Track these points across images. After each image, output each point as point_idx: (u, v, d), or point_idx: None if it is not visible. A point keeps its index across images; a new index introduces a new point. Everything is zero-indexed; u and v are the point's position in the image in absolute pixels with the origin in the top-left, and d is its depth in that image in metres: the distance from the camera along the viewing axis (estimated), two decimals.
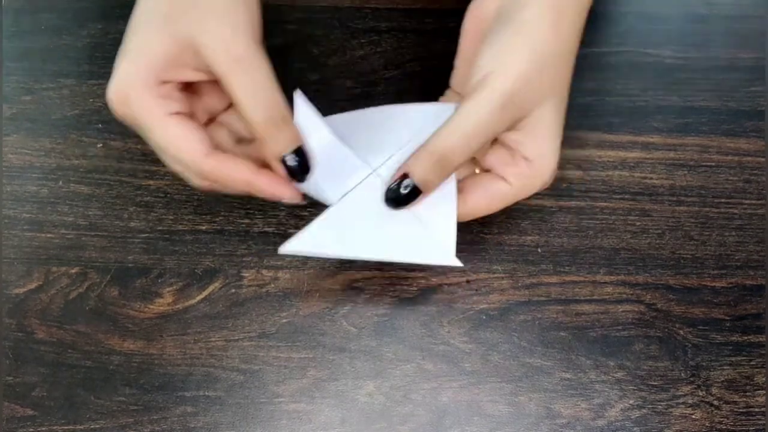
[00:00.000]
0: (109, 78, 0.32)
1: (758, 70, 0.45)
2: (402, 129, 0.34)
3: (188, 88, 0.33)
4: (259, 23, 0.32)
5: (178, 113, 0.32)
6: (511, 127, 0.32)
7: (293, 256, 0.40)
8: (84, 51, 0.45)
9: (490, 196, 0.34)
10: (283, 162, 0.31)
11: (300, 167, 0.32)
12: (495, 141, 0.34)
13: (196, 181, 0.33)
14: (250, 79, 0.30)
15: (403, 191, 0.32)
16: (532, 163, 0.33)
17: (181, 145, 0.31)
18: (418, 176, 0.32)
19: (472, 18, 0.34)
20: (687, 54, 0.45)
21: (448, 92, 0.38)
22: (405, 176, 0.32)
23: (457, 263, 0.34)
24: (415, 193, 0.32)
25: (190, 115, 0.33)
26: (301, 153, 0.32)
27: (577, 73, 0.34)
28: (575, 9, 0.32)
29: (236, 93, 0.30)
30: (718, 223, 0.41)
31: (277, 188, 0.32)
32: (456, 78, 0.37)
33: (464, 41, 0.36)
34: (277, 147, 0.31)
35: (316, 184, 0.33)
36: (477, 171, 0.35)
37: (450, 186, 0.34)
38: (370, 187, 0.34)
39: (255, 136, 0.32)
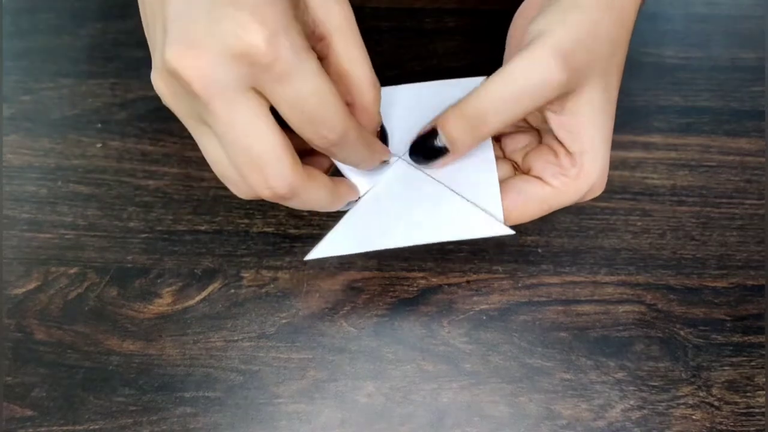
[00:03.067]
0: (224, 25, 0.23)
1: (759, 70, 0.45)
2: (434, 106, 0.31)
3: None
4: None
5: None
6: (558, 102, 0.29)
7: (294, 257, 0.40)
8: (83, 51, 0.45)
9: (527, 199, 0.31)
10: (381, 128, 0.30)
11: (385, 136, 0.30)
12: (535, 139, 0.32)
13: (259, 187, 0.26)
14: (359, 39, 0.27)
15: (428, 144, 0.30)
16: (576, 159, 0.30)
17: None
18: (447, 134, 0.29)
19: (518, 18, 0.32)
20: (688, 54, 0.45)
21: None
22: (435, 131, 0.30)
23: (508, 231, 0.31)
24: (441, 151, 0.30)
25: None
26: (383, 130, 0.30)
27: None
28: (626, 3, 0.29)
29: (351, 51, 0.26)
30: (719, 223, 0.41)
31: (350, 193, 0.30)
32: None
33: (511, 41, 0.33)
34: (376, 113, 0.28)
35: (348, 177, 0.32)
36: (514, 173, 0.33)
37: (487, 154, 0.32)
38: (399, 171, 0.32)
39: (360, 101, 0.28)
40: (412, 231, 0.32)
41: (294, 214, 0.41)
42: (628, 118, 0.43)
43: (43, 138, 0.43)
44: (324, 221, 0.41)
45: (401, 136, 0.32)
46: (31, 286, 0.39)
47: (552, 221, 0.41)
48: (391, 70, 0.44)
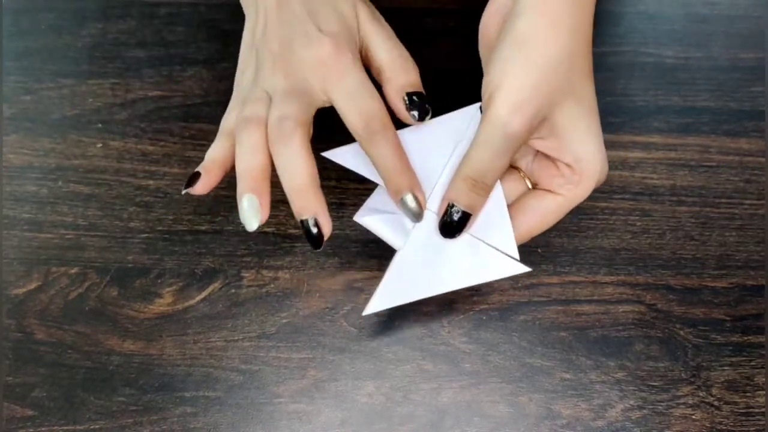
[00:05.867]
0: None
1: (759, 70, 0.45)
2: (443, 145, 0.35)
3: None
4: None
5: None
6: (536, 134, 0.32)
7: (294, 257, 0.40)
8: (84, 51, 0.45)
9: (543, 214, 0.34)
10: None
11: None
12: (537, 153, 0.34)
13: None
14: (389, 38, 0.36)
15: (453, 219, 0.33)
16: (574, 167, 0.33)
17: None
18: (462, 203, 0.33)
19: (483, 28, 0.35)
20: (688, 54, 0.45)
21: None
22: (451, 205, 0.33)
23: (525, 269, 0.34)
24: (465, 218, 0.33)
25: None
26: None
27: None
28: (572, 7, 0.32)
29: (385, 45, 0.35)
30: (718, 223, 0.41)
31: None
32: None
33: (481, 50, 0.36)
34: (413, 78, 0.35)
35: (378, 227, 0.35)
36: (530, 185, 0.35)
37: (497, 196, 0.34)
38: (427, 223, 0.34)
39: (394, 77, 0.34)
40: (446, 279, 0.34)
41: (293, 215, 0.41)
42: (628, 118, 0.43)
43: (44, 138, 0.43)
44: None
45: (421, 178, 0.34)
46: (32, 286, 0.39)
47: None
48: None
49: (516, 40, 0.31)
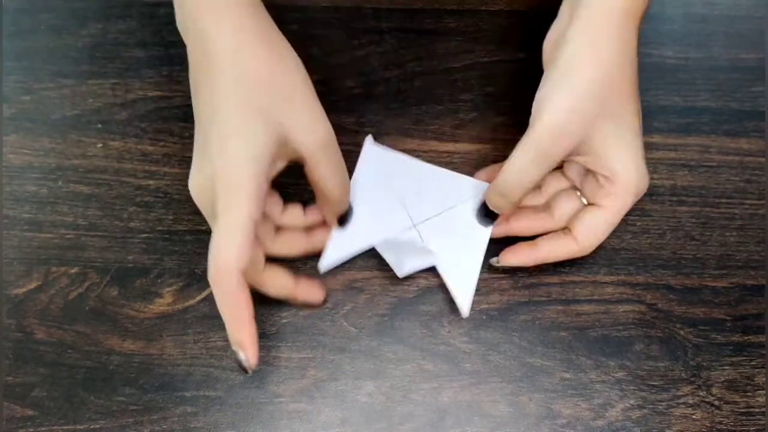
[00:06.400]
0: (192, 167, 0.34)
1: (759, 70, 0.45)
2: (447, 194, 0.40)
3: None
4: None
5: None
6: (574, 153, 0.35)
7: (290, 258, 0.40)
8: (84, 51, 0.45)
9: (593, 228, 0.37)
10: (339, 218, 0.38)
11: (347, 217, 0.38)
12: (587, 170, 0.37)
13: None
14: (335, 161, 0.35)
15: (486, 211, 0.38)
16: (613, 180, 0.35)
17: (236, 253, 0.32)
18: (492, 204, 0.37)
19: (544, 53, 0.38)
20: (688, 54, 0.45)
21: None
22: (485, 205, 0.38)
23: (465, 314, 0.38)
24: (495, 214, 0.38)
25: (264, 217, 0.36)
26: (348, 210, 0.38)
27: None
28: (616, 33, 0.34)
29: (323, 174, 0.34)
30: (719, 223, 0.41)
31: (312, 294, 0.38)
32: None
33: (545, 58, 0.38)
34: (339, 210, 0.37)
35: (360, 222, 0.39)
36: (585, 201, 0.38)
37: (480, 245, 0.39)
38: (408, 237, 0.39)
39: (327, 204, 0.36)
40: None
41: None
42: None
43: (44, 138, 0.43)
44: None
45: (418, 206, 0.40)
46: (32, 285, 0.39)
47: None
48: (392, 70, 0.44)
49: (561, 66, 0.34)
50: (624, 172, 0.35)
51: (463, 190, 0.40)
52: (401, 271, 0.37)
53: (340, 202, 0.36)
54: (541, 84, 0.35)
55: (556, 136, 0.34)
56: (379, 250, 0.38)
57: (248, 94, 0.32)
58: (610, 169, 0.35)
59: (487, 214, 0.38)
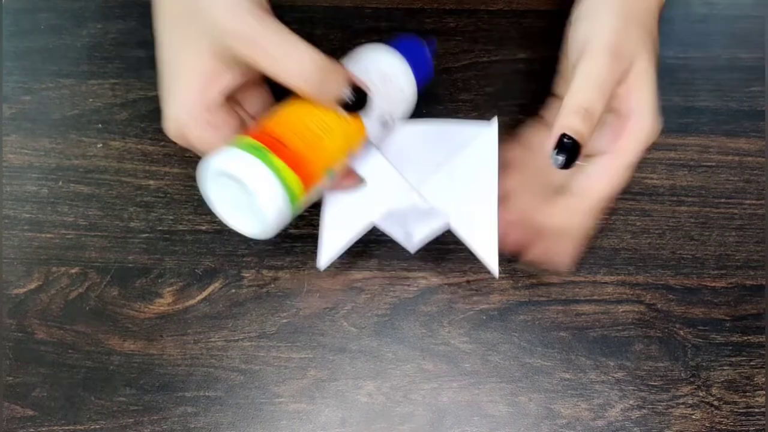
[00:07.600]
0: (162, 111, 0.34)
1: (758, 70, 0.45)
2: (441, 145, 0.36)
3: (230, 100, 0.35)
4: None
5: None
6: (621, 80, 0.34)
7: (294, 257, 0.40)
8: (84, 51, 0.45)
9: (606, 175, 0.34)
10: (343, 102, 0.32)
11: (359, 100, 0.32)
12: None
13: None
14: (276, 42, 0.30)
15: (567, 149, 0.33)
16: (624, 121, 0.34)
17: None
18: (572, 130, 0.32)
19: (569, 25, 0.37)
20: (687, 54, 0.45)
21: (550, 99, 0.39)
22: (563, 135, 0.33)
23: (495, 274, 0.36)
24: (577, 146, 0.33)
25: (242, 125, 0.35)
26: (355, 87, 0.32)
27: None
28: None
29: (266, 62, 0.30)
30: (718, 223, 0.41)
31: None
32: (560, 85, 0.39)
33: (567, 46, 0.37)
34: (331, 91, 0.32)
35: (350, 202, 0.36)
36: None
37: (492, 191, 0.36)
38: (410, 203, 0.36)
39: (306, 97, 0.32)
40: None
41: None
42: None
43: (44, 138, 0.43)
44: None
45: (416, 164, 0.36)
46: (32, 285, 0.39)
47: None
48: None
49: (600, 1, 0.35)
50: (639, 113, 0.34)
51: (458, 136, 0.36)
52: (412, 244, 0.34)
53: (315, 87, 0.31)
54: (576, 22, 0.36)
55: (618, 54, 0.33)
56: (382, 227, 0.35)
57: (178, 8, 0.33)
58: (628, 107, 0.34)
59: (566, 151, 0.33)
